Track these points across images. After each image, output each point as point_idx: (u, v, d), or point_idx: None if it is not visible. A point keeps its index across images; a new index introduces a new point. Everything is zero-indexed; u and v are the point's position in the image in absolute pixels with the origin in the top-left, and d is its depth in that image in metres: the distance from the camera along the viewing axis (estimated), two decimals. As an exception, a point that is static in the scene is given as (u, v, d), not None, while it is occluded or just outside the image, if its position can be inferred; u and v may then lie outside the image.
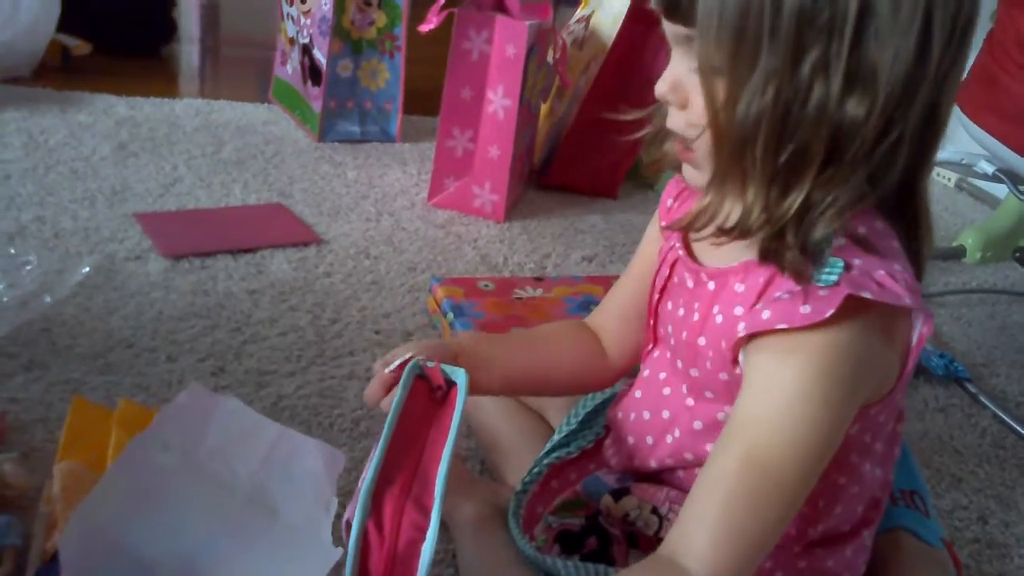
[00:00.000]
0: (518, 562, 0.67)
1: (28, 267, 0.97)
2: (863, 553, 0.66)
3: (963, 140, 1.29)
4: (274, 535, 0.61)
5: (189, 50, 2.25)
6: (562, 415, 0.78)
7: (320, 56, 1.68)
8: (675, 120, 0.58)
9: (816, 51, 0.49)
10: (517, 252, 1.39)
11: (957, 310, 1.45)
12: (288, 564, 0.60)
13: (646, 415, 0.66)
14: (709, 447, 0.61)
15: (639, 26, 1.59)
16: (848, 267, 0.52)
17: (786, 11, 0.48)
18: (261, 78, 1.96)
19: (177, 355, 0.96)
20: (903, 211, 0.57)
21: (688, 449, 0.63)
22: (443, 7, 1.40)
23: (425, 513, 0.54)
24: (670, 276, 0.65)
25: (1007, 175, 1.23)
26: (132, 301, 1.05)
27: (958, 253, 1.64)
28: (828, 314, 0.50)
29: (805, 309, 0.51)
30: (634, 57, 1.61)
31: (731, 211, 0.54)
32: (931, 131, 0.53)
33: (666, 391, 0.65)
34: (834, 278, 0.51)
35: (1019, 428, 1.11)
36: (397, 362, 0.63)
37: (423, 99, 1.77)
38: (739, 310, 0.56)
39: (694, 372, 0.61)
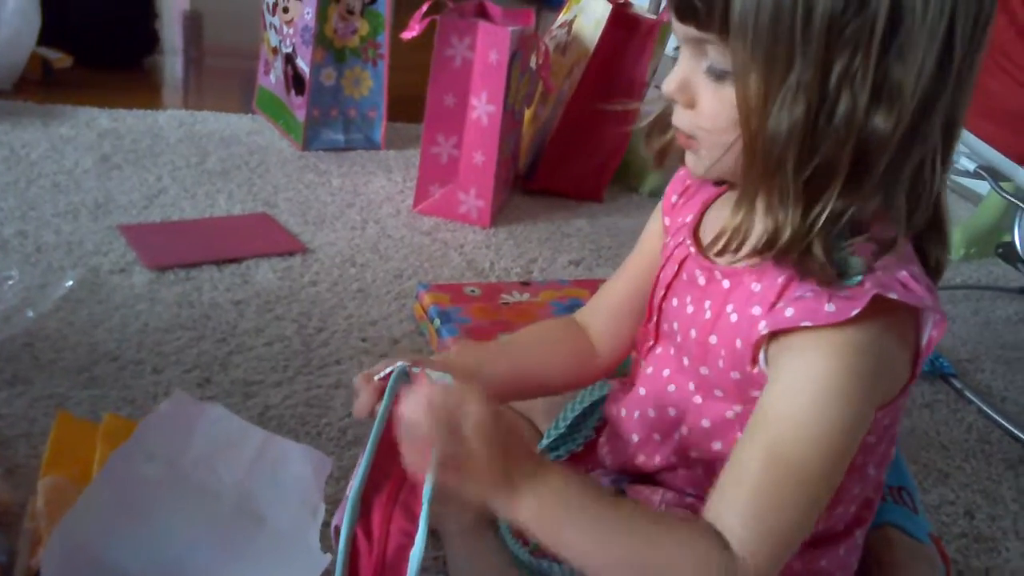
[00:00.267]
0: (510, 567, 0.67)
1: (10, 282, 0.96)
2: (855, 552, 0.66)
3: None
4: (261, 542, 0.61)
5: (172, 61, 2.24)
6: (549, 418, 0.78)
7: (303, 65, 1.67)
8: (681, 119, 0.58)
9: (843, 62, 0.49)
10: (503, 257, 1.39)
11: (941, 306, 1.46)
12: (276, 571, 0.59)
13: (651, 412, 0.66)
14: (717, 445, 0.61)
15: (621, 31, 1.60)
16: (871, 268, 0.52)
17: (816, 21, 0.48)
18: (244, 88, 1.95)
19: (163, 367, 0.96)
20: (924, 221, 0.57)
21: (694, 447, 0.63)
22: (425, 14, 1.40)
23: (413, 519, 0.53)
24: (677, 273, 0.65)
25: (988, 172, 1.24)
26: (117, 314, 1.05)
27: (942, 250, 1.65)
28: (854, 313, 0.51)
29: (830, 308, 0.51)
30: (616, 61, 1.62)
31: (761, 229, 0.54)
32: (949, 137, 0.54)
33: (671, 388, 0.65)
34: (858, 278, 0.52)
35: (1004, 423, 1.11)
36: (385, 371, 0.63)
37: (407, 106, 1.77)
38: (757, 310, 0.56)
39: (704, 370, 0.61)
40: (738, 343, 0.57)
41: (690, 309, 0.63)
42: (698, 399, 0.63)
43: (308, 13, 1.64)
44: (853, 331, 0.51)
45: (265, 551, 0.61)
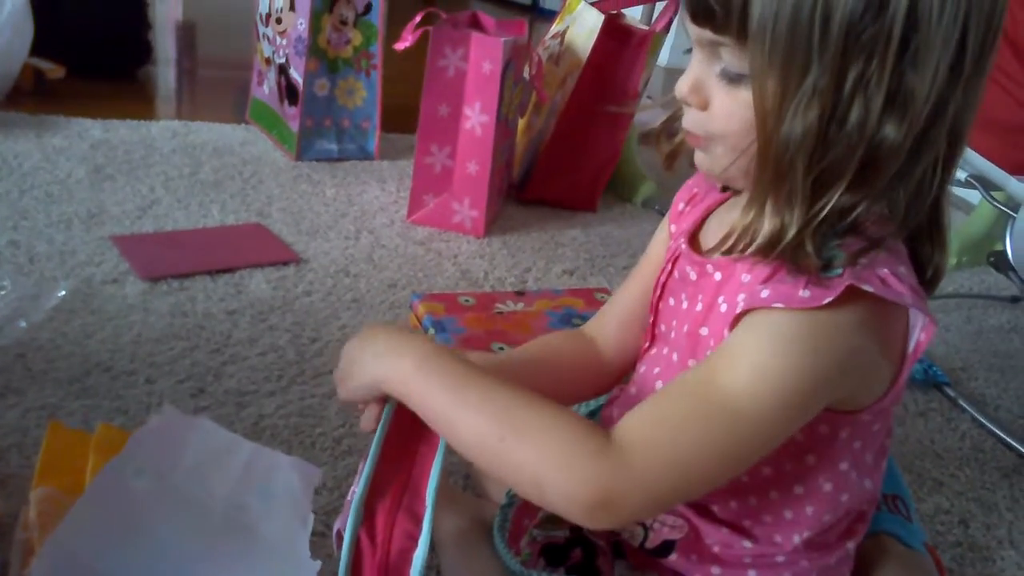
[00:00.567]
0: (503, 576, 0.67)
1: (2, 292, 0.95)
2: (847, 562, 0.66)
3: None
4: (253, 553, 0.61)
5: (165, 72, 2.24)
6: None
7: (296, 76, 1.68)
8: (692, 121, 0.58)
9: (859, 68, 0.49)
10: (497, 267, 1.39)
11: (934, 315, 1.46)
12: (267, 579, 0.59)
13: None
14: None
15: (613, 41, 1.61)
16: (854, 262, 0.52)
17: (834, 27, 0.48)
18: (238, 99, 1.95)
19: (156, 377, 0.96)
20: (922, 226, 0.57)
21: None
22: (418, 25, 1.40)
23: (417, 521, 0.53)
24: (671, 272, 0.66)
25: (979, 181, 1.25)
26: (110, 324, 1.04)
27: (933, 259, 1.66)
28: (825, 301, 0.51)
29: (804, 293, 0.51)
30: (609, 71, 1.62)
31: (768, 228, 0.54)
32: (954, 144, 0.54)
33: (659, 384, 0.65)
34: (839, 270, 0.52)
35: (998, 431, 1.12)
36: None
37: (401, 117, 1.77)
38: (742, 296, 0.56)
39: (692, 362, 0.61)
40: (725, 332, 0.57)
41: (684, 305, 0.64)
42: None
43: (301, 24, 1.64)
44: (824, 316, 0.51)
45: (256, 561, 0.61)
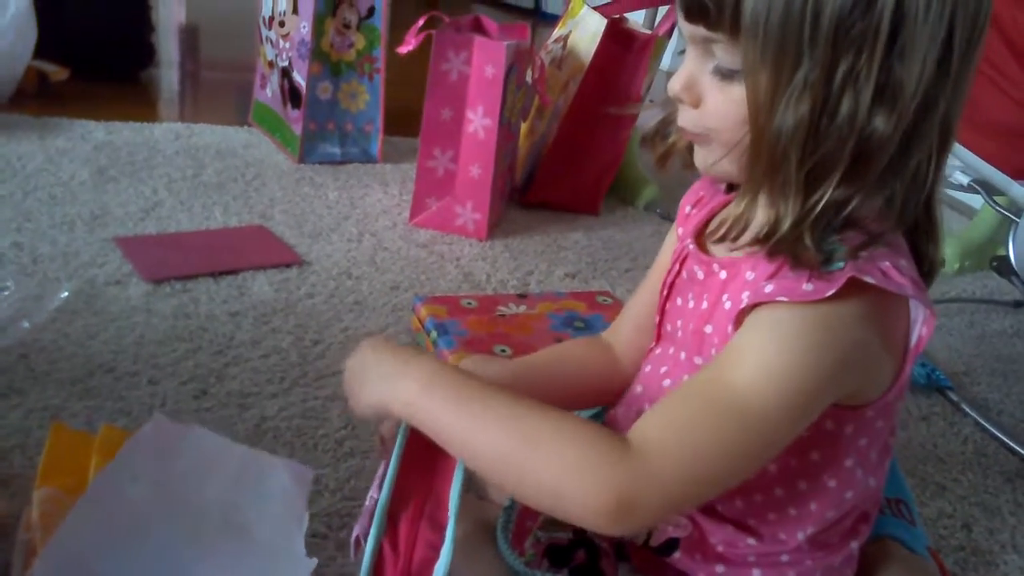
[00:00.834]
0: (506, 578, 0.67)
1: (5, 293, 0.95)
2: (851, 563, 0.66)
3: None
4: (249, 554, 0.61)
5: (168, 74, 2.24)
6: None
7: (300, 79, 1.68)
8: (687, 119, 0.58)
9: (848, 62, 0.50)
10: (500, 270, 1.39)
11: (937, 320, 1.46)
12: (265, 578, 0.60)
13: (646, 407, 0.66)
14: None
15: (616, 45, 1.61)
16: (854, 256, 0.53)
17: (824, 22, 0.49)
18: (241, 101, 1.96)
19: (159, 379, 0.96)
20: (917, 220, 0.58)
21: None
22: (421, 29, 1.40)
23: (439, 531, 0.53)
24: (679, 272, 0.66)
25: (982, 186, 1.25)
26: (113, 325, 1.04)
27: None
28: (828, 293, 0.51)
29: (807, 287, 0.52)
30: (612, 75, 1.63)
31: (762, 219, 0.55)
32: (945, 138, 0.55)
33: (666, 383, 0.65)
34: (840, 264, 0.52)
35: (1001, 436, 1.12)
36: None
37: (403, 120, 1.78)
38: (746, 294, 0.56)
39: (698, 360, 0.62)
40: (729, 329, 0.57)
41: (690, 304, 0.64)
42: None
43: (304, 27, 1.65)
44: (827, 309, 0.52)
45: (253, 563, 0.61)
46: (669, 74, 0.59)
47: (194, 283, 1.17)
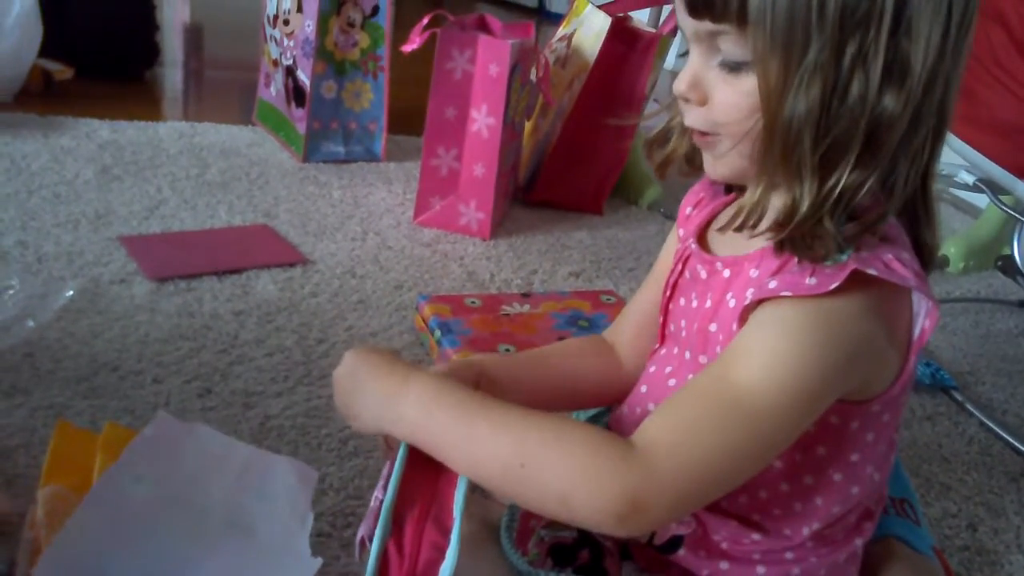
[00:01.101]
0: (509, 577, 0.67)
1: (10, 292, 0.96)
2: (855, 561, 0.66)
3: (944, 151, 1.31)
4: (253, 553, 0.61)
5: (172, 73, 2.24)
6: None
7: (304, 77, 1.68)
8: (694, 118, 0.58)
9: (856, 42, 0.50)
10: (504, 269, 1.39)
11: (942, 319, 1.46)
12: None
13: (651, 407, 0.66)
14: None
15: (620, 44, 1.61)
16: (858, 248, 0.53)
17: (830, 3, 0.50)
18: (245, 100, 1.96)
19: (163, 377, 0.96)
20: (914, 205, 0.58)
21: None
22: (426, 28, 1.40)
23: (444, 532, 0.53)
24: (681, 272, 0.66)
25: (987, 185, 1.25)
26: (117, 324, 1.04)
27: (941, 263, 1.66)
28: (832, 287, 0.51)
29: (811, 281, 0.52)
30: (616, 74, 1.62)
31: (780, 204, 0.54)
32: (941, 121, 0.55)
33: (671, 382, 0.65)
34: (844, 257, 0.53)
35: (1006, 436, 1.11)
36: None
37: (407, 119, 1.78)
38: (750, 291, 0.56)
39: (703, 359, 0.62)
40: (734, 327, 0.57)
41: (694, 303, 0.64)
42: None
43: (309, 26, 1.65)
44: (831, 303, 0.52)
45: (257, 562, 0.61)
46: (673, 74, 0.59)
47: (198, 282, 1.17)
